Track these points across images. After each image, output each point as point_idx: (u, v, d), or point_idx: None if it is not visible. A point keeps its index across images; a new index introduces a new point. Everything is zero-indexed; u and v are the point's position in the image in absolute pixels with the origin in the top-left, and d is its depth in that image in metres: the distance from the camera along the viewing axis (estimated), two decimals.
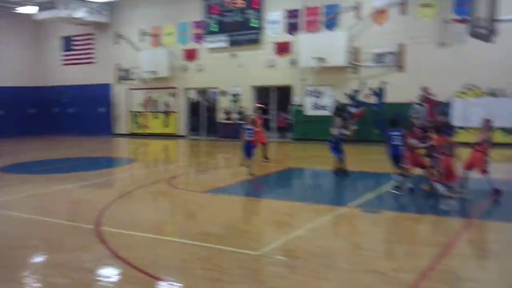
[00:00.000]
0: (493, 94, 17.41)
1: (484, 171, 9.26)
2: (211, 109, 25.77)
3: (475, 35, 8.69)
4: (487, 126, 9.59)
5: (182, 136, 24.93)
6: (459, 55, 17.34)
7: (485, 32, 9.29)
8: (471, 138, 17.38)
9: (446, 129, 8.97)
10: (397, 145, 9.93)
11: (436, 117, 18.19)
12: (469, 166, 9.40)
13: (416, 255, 6.31)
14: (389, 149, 10.09)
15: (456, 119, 17.93)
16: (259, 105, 23.89)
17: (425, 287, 5.20)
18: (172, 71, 24.51)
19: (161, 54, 24.49)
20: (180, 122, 25.06)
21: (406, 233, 7.64)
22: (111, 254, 6.58)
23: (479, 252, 6.34)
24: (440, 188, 8.60)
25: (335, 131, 12.19)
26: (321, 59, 19.65)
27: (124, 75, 26.28)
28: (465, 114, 17.79)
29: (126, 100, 26.57)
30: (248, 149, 12.61)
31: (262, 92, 23.57)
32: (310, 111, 21.12)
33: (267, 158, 14.81)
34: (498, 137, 17.22)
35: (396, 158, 10.00)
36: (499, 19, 9.76)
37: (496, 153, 16.00)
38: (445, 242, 6.70)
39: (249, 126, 12.86)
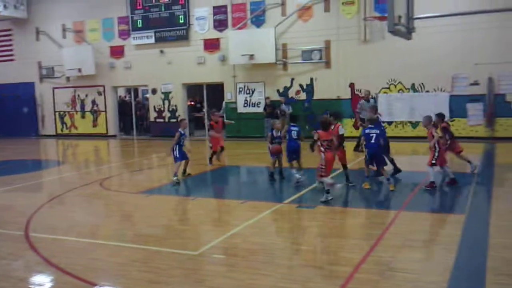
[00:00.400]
0: (414, 89, 18.28)
1: (431, 164, 10.09)
2: (142, 107, 25.38)
3: (394, 32, 9.08)
4: (427, 123, 10.31)
5: (112, 136, 24.32)
6: (382, 51, 18.06)
7: (403, 29, 9.72)
8: (397, 132, 18.41)
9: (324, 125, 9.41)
10: (294, 139, 10.76)
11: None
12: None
13: (350, 248, 6.55)
14: (287, 143, 10.84)
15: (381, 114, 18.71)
16: (191, 103, 23.79)
17: (360, 279, 5.41)
18: (98, 69, 23.81)
19: (85, 51, 23.71)
20: (110, 121, 24.41)
21: (341, 227, 7.90)
22: (43, 261, 6.37)
23: (408, 243, 6.66)
24: (327, 181, 9.06)
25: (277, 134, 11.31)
26: (250, 56, 19.81)
27: (48, 73, 25.22)
28: (390, 109, 18.60)
29: (51, 99, 25.53)
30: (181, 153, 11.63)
31: (195, 90, 23.50)
32: (242, 108, 21.24)
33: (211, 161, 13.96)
34: (421, 131, 18.18)
35: (292, 152, 10.75)
36: (416, 17, 10.25)
37: (419, 146, 16.92)
38: (376, 234, 6.99)
39: (182, 131, 11.71)
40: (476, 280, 5.41)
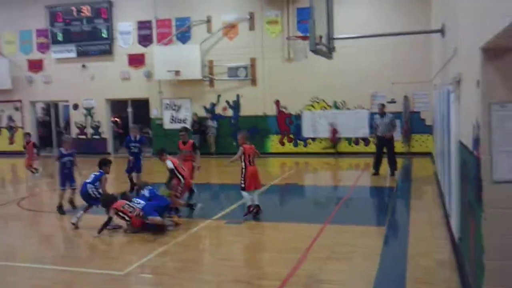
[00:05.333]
0: (336, 106, 18.94)
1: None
2: (63, 123, 24.48)
3: (315, 51, 9.39)
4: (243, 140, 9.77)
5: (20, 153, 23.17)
6: (305, 70, 18.55)
7: (324, 49, 10.07)
8: (318, 148, 18.96)
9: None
10: None
11: (287, 128, 19.40)
12: None
13: (278, 262, 6.64)
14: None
15: (306, 130, 19.22)
16: (115, 119, 23.22)
17: None
18: (15, 83, 22.72)
19: (1, 64, 22.56)
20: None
21: (268, 241, 8.00)
22: None
23: (333, 255, 6.86)
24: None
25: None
26: (176, 72, 19.72)
27: None
28: (313, 126, 19.13)
29: None
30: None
31: (119, 106, 22.96)
32: (168, 125, 21.03)
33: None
34: (343, 147, 18.85)
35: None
36: (336, 37, 10.65)
37: (342, 161, 17.50)
38: (303, 247, 7.14)
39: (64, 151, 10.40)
40: None
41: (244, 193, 9.23)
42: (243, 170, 9.26)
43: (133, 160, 12.11)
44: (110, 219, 8.42)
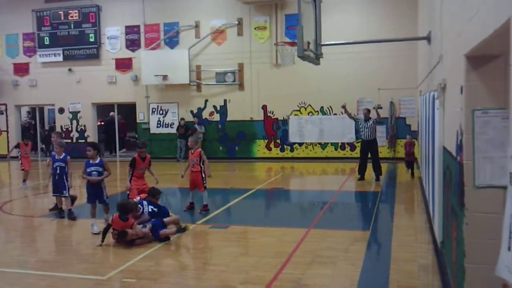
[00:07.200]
0: (323, 112, 19.01)
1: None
2: (48, 127, 24.29)
3: (303, 57, 9.44)
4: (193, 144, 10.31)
5: (14, 158, 22.94)
6: (293, 75, 18.64)
7: (312, 55, 10.12)
8: (307, 153, 19.00)
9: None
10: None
11: (274, 133, 19.42)
12: None
13: (262, 266, 6.63)
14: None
15: (292, 135, 19.26)
16: (101, 123, 23.11)
17: None
18: (0, 86, 22.53)
19: None
20: (12, 142, 23.02)
21: (253, 245, 7.97)
22: None
23: (317, 259, 6.86)
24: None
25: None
26: (163, 77, 19.69)
27: None
28: (300, 131, 19.19)
29: None
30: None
31: (105, 110, 22.89)
32: (155, 129, 20.97)
33: None
34: (329, 152, 18.92)
35: None
36: (323, 44, 10.72)
37: (328, 166, 17.57)
38: (287, 252, 7.14)
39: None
40: None
41: (206, 192, 10.14)
42: (203, 173, 10.07)
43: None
44: (109, 225, 8.04)
